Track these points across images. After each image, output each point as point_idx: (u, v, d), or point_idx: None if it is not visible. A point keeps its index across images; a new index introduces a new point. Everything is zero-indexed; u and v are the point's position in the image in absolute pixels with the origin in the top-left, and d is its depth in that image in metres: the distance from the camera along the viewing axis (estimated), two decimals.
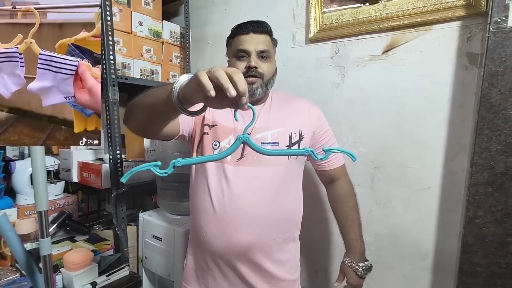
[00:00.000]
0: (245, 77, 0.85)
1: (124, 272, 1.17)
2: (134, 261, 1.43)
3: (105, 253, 1.21)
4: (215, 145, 0.89)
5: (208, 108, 0.92)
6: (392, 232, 1.16)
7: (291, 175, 0.91)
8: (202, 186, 0.88)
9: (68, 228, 1.32)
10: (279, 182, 0.86)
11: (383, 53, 1.16)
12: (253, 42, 0.87)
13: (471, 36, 0.99)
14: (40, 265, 0.76)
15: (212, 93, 0.48)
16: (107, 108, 1.24)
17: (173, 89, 0.57)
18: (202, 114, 0.93)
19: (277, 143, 0.86)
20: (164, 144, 1.35)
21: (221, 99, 0.52)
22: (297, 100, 0.98)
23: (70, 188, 1.75)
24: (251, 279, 0.85)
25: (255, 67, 0.85)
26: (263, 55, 0.88)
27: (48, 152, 1.65)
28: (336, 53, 1.26)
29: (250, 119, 0.89)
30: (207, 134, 0.91)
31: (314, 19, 1.28)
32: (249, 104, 0.50)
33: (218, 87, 0.48)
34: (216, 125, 0.91)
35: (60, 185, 1.38)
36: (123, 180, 0.47)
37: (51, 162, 1.39)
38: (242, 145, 0.86)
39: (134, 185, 1.38)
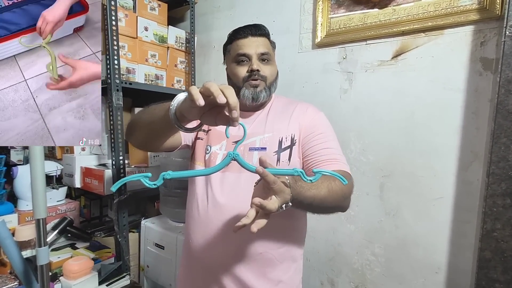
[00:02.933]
0: (247, 81, 0.82)
1: (124, 282, 1.14)
2: (135, 269, 1.40)
3: (106, 261, 1.18)
4: (207, 149, 0.86)
5: None
6: (403, 243, 1.11)
7: None
8: (191, 192, 0.88)
9: (69, 235, 1.30)
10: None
11: (392, 58, 1.13)
12: (253, 45, 0.83)
13: (485, 40, 0.95)
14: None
15: (201, 101, 0.50)
16: (111, 113, 1.23)
17: (171, 107, 0.61)
18: None
19: (265, 148, 0.81)
20: None
21: (215, 116, 0.55)
22: (296, 104, 0.90)
23: (73, 193, 1.74)
24: None
25: (258, 70, 0.82)
26: (264, 57, 0.84)
27: (52, 157, 1.64)
28: (344, 58, 1.23)
29: (247, 127, 0.86)
30: (201, 139, 0.90)
31: (321, 24, 1.26)
32: (240, 122, 0.53)
33: (211, 103, 0.51)
34: (211, 129, 0.89)
35: (62, 190, 1.37)
36: (113, 189, 0.49)
37: (54, 167, 1.37)
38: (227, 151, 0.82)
39: (136, 191, 1.35)
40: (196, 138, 0.91)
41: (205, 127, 0.90)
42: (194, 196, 0.86)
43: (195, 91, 0.52)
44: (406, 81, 1.10)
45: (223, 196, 0.79)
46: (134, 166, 1.40)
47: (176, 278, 1.20)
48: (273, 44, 0.91)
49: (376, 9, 1.14)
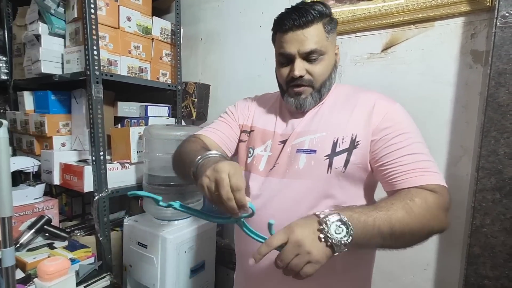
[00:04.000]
0: (289, 86, 0.71)
1: (104, 282, 1.09)
2: (118, 269, 1.35)
3: (85, 261, 1.13)
4: (249, 152, 0.77)
5: (248, 114, 0.84)
6: None
7: (338, 195, 0.66)
8: None
9: (46, 234, 1.23)
10: (314, 201, 0.66)
11: (382, 51, 1.10)
12: (296, 42, 0.66)
13: (475, 32, 0.94)
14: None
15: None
16: (90, 107, 1.17)
17: (192, 170, 0.60)
18: (243, 122, 0.84)
19: (315, 151, 0.67)
20: (151, 145, 1.27)
21: None
22: (360, 94, 0.71)
23: (54, 191, 1.67)
24: None
25: (301, 76, 0.68)
26: (312, 57, 0.67)
27: (30, 152, 1.57)
28: None
29: (296, 124, 0.73)
30: (244, 141, 0.81)
31: None
32: (250, 204, 0.49)
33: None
34: (254, 130, 0.79)
35: (40, 188, 1.30)
36: (130, 194, 0.56)
37: (30, 164, 1.30)
38: (281, 149, 0.72)
39: (119, 188, 1.30)
40: (239, 140, 0.83)
41: (247, 127, 0.82)
42: None
43: (206, 187, 0.51)
44: (396, 75, 1.07)
45: (262, 202, 0.69)
46: (117, 162, 1.34)
47: (159, 277, 1.16)
48: (328, 27, 0.68)
49: (366, 1, 1.11)
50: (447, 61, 0.98)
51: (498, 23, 0.80)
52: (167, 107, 1.57)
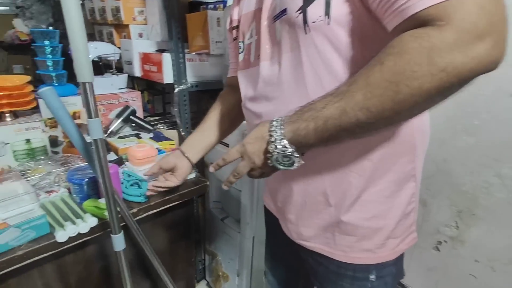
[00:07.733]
0: None
1: (190, 176, 1.07)
2: (201, 166, 1.35)
3: (169, 152, 1.11)
4: (240, 47, 0.65)
5: (236, 7, 0.67)
6: None
7: (335, 63, 0.45)
8: None
9: (133, 125, 1.24)
10: (312, 78, 0.48)
11: None
12: None
13: None
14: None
15: None
16: None
17: None
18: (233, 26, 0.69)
19: (284, 10, 0.47)
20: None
21: None
22: None
23: (136, 87, 1.68)
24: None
25: None
26: None
27: (112, 44, 1.53)
28: None
29: None
30: (236, 39, 0.67)
31: None
32: None
33: None
34: (240, 20, 0.65)
35: (123, 77, 1.26)
36: None
37: (111, 50, 1.24)
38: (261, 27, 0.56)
39: (199, 83, 1.19)
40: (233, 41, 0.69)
41: (235, 22, 0.66)
42: None
43: None
44: None
45: (266, 97, 0.57)
46: (195, 53, 1.20)
47: None
48: None
49: None
50: None
51: None
52: None
